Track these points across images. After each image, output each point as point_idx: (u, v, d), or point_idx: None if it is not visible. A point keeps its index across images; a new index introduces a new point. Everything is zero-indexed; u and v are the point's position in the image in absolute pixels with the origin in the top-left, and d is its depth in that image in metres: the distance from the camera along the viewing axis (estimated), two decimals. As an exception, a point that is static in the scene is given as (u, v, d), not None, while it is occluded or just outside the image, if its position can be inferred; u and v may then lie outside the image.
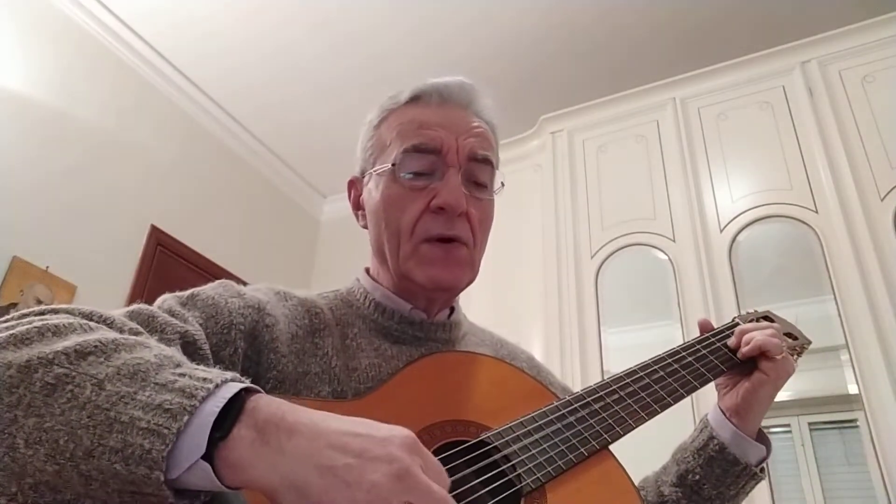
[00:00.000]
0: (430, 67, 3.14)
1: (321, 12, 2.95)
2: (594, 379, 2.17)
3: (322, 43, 3.11)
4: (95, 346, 0.43)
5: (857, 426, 1.97)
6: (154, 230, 3.08)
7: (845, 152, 2.13)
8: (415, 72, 3.16)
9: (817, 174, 2.16)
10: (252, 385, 0.42)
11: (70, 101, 2.81)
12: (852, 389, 1.90)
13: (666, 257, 2.30)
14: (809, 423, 2.28)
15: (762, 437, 0.81)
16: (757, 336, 0.80)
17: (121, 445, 0.37)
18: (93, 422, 0.38)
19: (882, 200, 2.02)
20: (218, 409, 0.39)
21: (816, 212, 2.11)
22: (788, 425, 2.29)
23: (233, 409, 0.40)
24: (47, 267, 2.57)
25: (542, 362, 0.90)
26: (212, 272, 3.22)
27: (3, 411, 0.40)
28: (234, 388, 0.41)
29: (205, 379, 0.41)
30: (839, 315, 1.93)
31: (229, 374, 0.42)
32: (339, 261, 3.97)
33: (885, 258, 1.93)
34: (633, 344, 2.47)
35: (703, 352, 0.81)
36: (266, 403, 0.41)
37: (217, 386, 0.40)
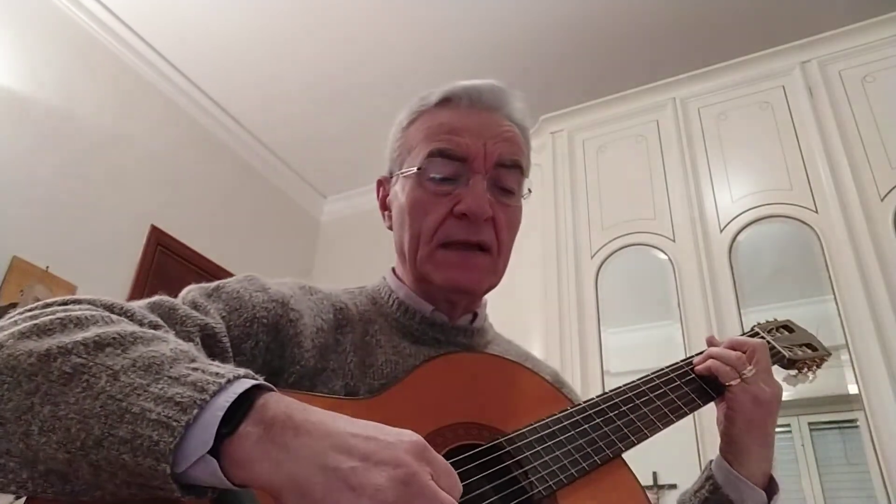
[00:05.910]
0: (430, 67, 3.14)
1: (320, 12, 2.95)
2: (594, 379, 2.19)
3: (321, 42, 3.11)
4: (113, 339, 0.44)
5: (857, 426, 1.97)
6: (154, 230, 3.07)
7: (845, 152, 2.13)
8: (414, 72, 3.17)
9: (817, 174, 2.16)
10: (264, 382, 0.42)
11: (69, 99, 2.80)
12: (852, 389, 1.90)
13: (666, 257, 2.30)
14: (809, 423, 2.28)
15: (772, 485, 0.74)
16: (711, 358, 0.76)
17: (130, 436, 0.38)
18: (104, 411, 0.39)
19: (882, 200, 2.02)
20: (228, 404, 0.39)
21: (816, 212, 2.11)
22: (788, 425, 2.29)
23: (243, 406, 0.40)
24: (47, 267, 2.57)
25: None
26: (212, 272, 3.22)
27: (21, 398, 0.41)
28: (246, 384, 0.41)
29: (217, 374, 0.41)
30: (839, 315, 1.93)
31: (242, 371, 0.42)
32: (339, 261, 3.97)
33: (885, 258, 1.93)
34: (633, 344, 2.47)
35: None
36: (275, 401, 0.41)
37: (229, 381, 0.41)
